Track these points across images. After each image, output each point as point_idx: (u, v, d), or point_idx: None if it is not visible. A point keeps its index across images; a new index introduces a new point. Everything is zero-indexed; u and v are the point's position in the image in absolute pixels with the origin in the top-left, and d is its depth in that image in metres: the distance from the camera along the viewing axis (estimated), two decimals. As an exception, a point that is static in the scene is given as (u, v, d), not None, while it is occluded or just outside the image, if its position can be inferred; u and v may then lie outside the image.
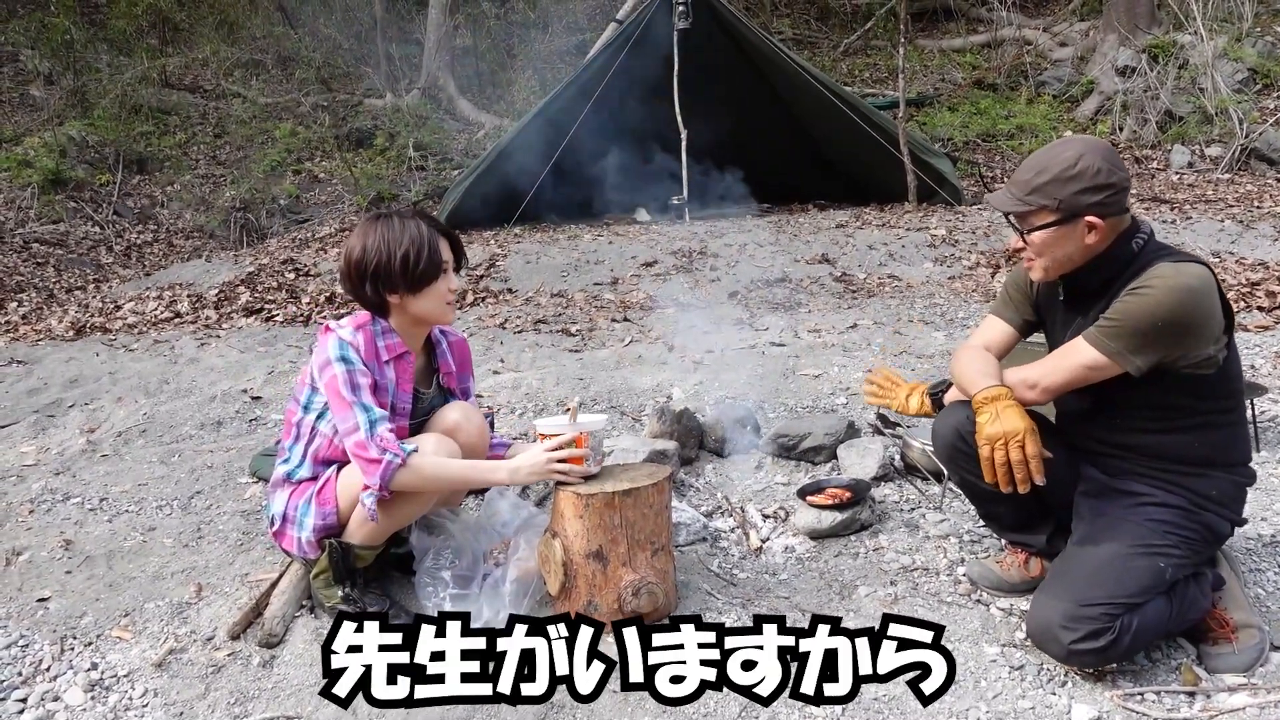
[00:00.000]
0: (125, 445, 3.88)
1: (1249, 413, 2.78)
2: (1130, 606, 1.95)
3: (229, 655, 2.29)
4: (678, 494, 3.06)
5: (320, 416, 2.36)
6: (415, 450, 2.23)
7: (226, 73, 14.74)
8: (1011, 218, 2.13)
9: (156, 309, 6.53)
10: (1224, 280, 5.30)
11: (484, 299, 6.19)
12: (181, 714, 2.10)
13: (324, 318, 5.91)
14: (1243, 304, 4.84)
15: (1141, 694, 2.00)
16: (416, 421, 2.45)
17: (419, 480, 2.24)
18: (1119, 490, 2.16)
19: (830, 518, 2.75)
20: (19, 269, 9.89)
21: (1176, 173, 9.86)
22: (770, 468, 3.28)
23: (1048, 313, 2.32)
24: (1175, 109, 10.84)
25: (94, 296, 7.66)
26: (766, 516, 2.93)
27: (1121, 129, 11.04)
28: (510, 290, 6.32)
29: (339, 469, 2.37)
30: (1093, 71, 12.08)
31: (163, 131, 13.58)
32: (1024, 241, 2.12)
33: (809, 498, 2.81)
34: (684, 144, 9.11)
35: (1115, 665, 2.08)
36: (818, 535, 2.76)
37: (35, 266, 10.10)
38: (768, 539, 2.81)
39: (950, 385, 2.40)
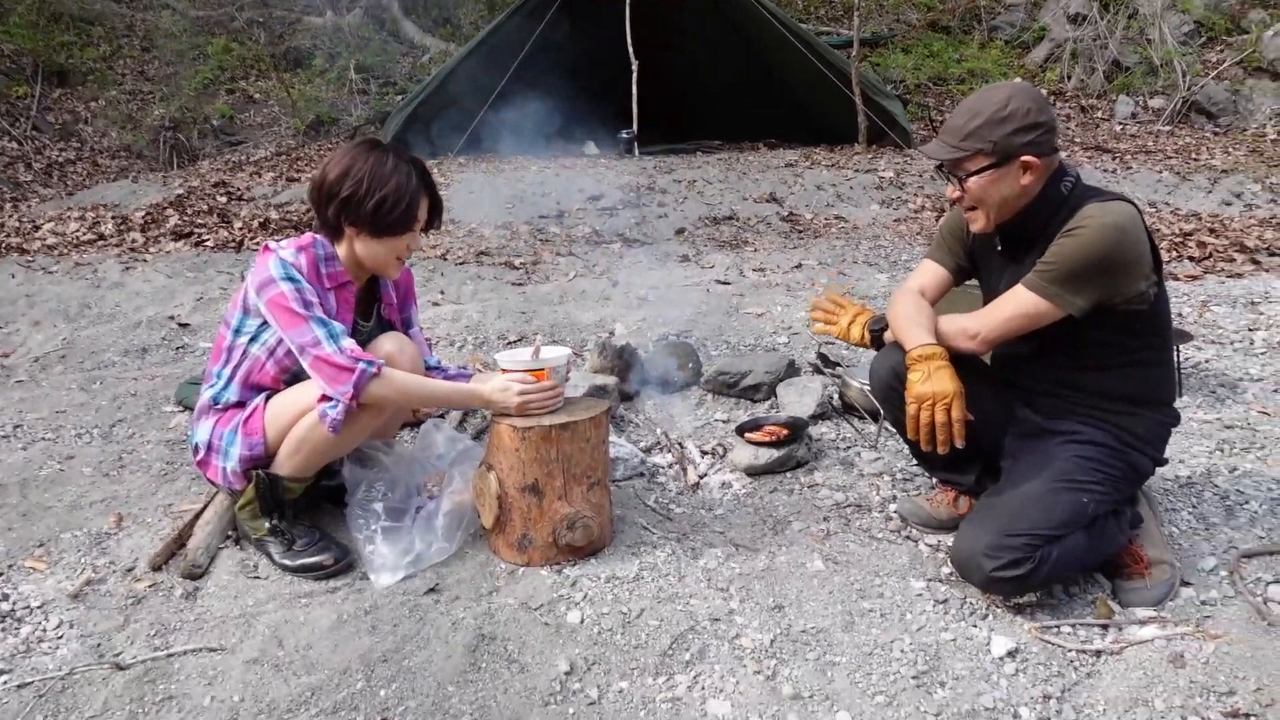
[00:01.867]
0: (43, 371, 3.72)
1: (1174, 358, 2.87)
2: (1051, 538, 2.01)
3: (150, 586, 2.23)
4: (617, 429, 3.04)
5: (253, 340, 2.27)
6: (383, 364, 2.17)
7: (154, -19, 13.91)
8: (946, 167, 2.14)
9: (78, 230, 6.23)
10: (1158, 230, 5.41)
11: (425, 229, 6.03)
12: (99, 645, 2.04)
13: (256, 244, 5.69)
14: (1175, 254, 4.95)
15: (1058, 626, 2.07)
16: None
17: (393, 392, 2.19)
18: (1049, 430, 2.21)
19: (767, 454, 2.76)
20: (-71, 183, 9.35)
21: (1120, 123, 9.99)
22: (710, 404, 3.28)
23: (983, 262, 2.34)
24: (1123, 59, 10.92)
25: (10, 216, 7.27)
26: (705, 453, 2.94)
27: (1070, 77, 11.10)
28: (453, 221, 6.17)
29: (267, 397, 2.29)
30: (1045, 18, 12.09)
31: (85, 43, 12.80)
32: (961, 190, 2.12)
33: (746, 434, 2.82)
34: (634, 76, 8.92)
35: (1034, 598, 2.15)
36: (754, 472, 2.78)
37: (-54, 182, 9.56)
38: (705, 475, 2.82)
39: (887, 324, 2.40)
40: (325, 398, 2.15)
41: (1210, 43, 10.87)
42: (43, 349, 3.94)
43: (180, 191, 7.22)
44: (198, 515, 2.42)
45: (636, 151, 8.78)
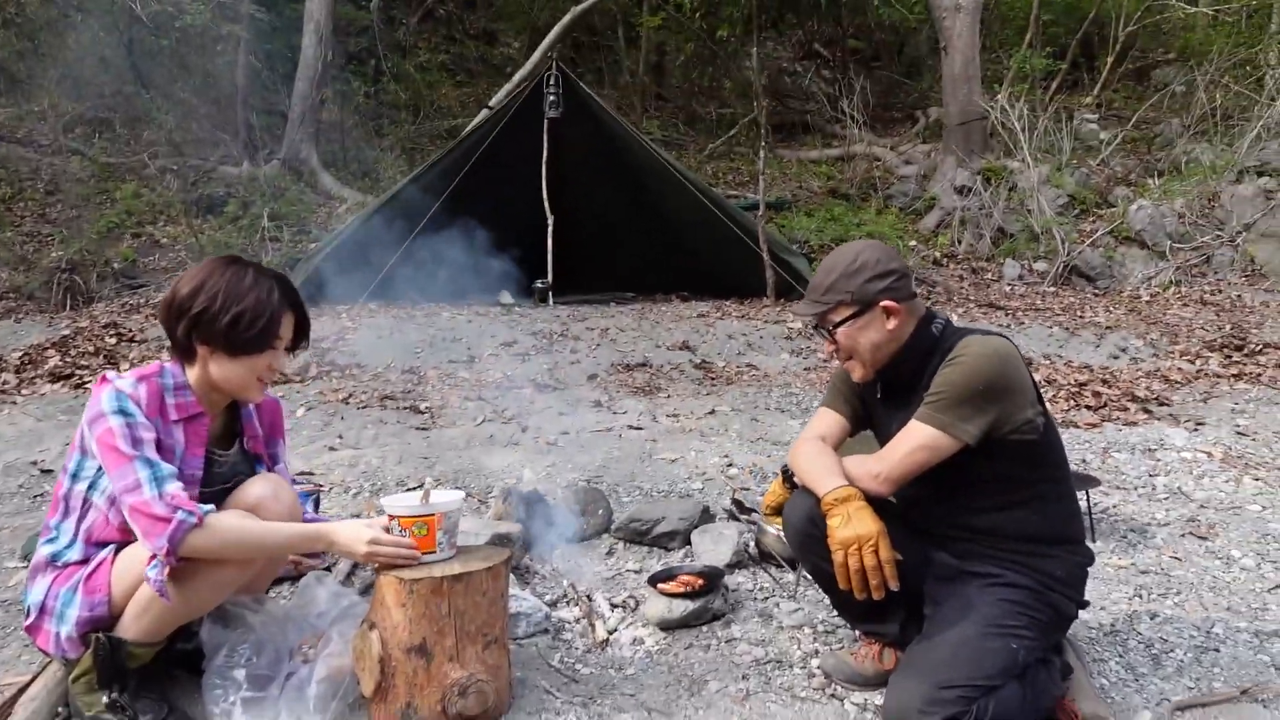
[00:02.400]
0: None
1: (1084, 503, 2.86)
2: (987, 689, 1.88)
3: (-49, 778, 1.87)
4: (521, 580, 2.82)
5: (92, 486, 2.01)
6: (212, 509, 1.93)
7: (67, 128, 13.81)
8: (815, 322, 2.21)
9: (-55, 371, 5.79)
10: (1054, 381, 5.60)
11: (328, 373, 5.81)
12: None
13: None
14: (1073, 403, 5.10)
15: (998, 794, 1.89)
16: (213, 490, 2.11)
17: (217, 544, 1.92)
18: (969, 573, 2.13)
19: (681, 606, 2.58)
20: None
21: (1009, 284, 10.60)
22: (622, 553, 3.10)
23: (874, 412, 2.34)
24: (1007, 226, 11.75)
25: None
26: (615, 605, 2.73)
27: (960, 241, 11.84)
28: (358, 365, 5.97)
29: (116, 550, 2.02)
30: (934, 189, 13.01)
31: (-15, 185, 12.50)
32: (834, 343, 2.18)
33: (660, 585, 2.63)
34: (550, 229, 9.10)
35: (970, 763, 1.97)
36: (668, 626, 2.58)
37: None
38: (615, 630, 2.60)
39: (803, 465, 2.32)
40: (152, 557, 1.90)
41: (1084, 214, 11.82)
42: (-124, 497, 3.52)
43: (67, 332, 6.85)
44: (21, 690, 2.08)
45: (551, 301, 8.83)
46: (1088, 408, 5.00)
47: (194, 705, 2.10)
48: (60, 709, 2.06)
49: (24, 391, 5.36)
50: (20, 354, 6.09)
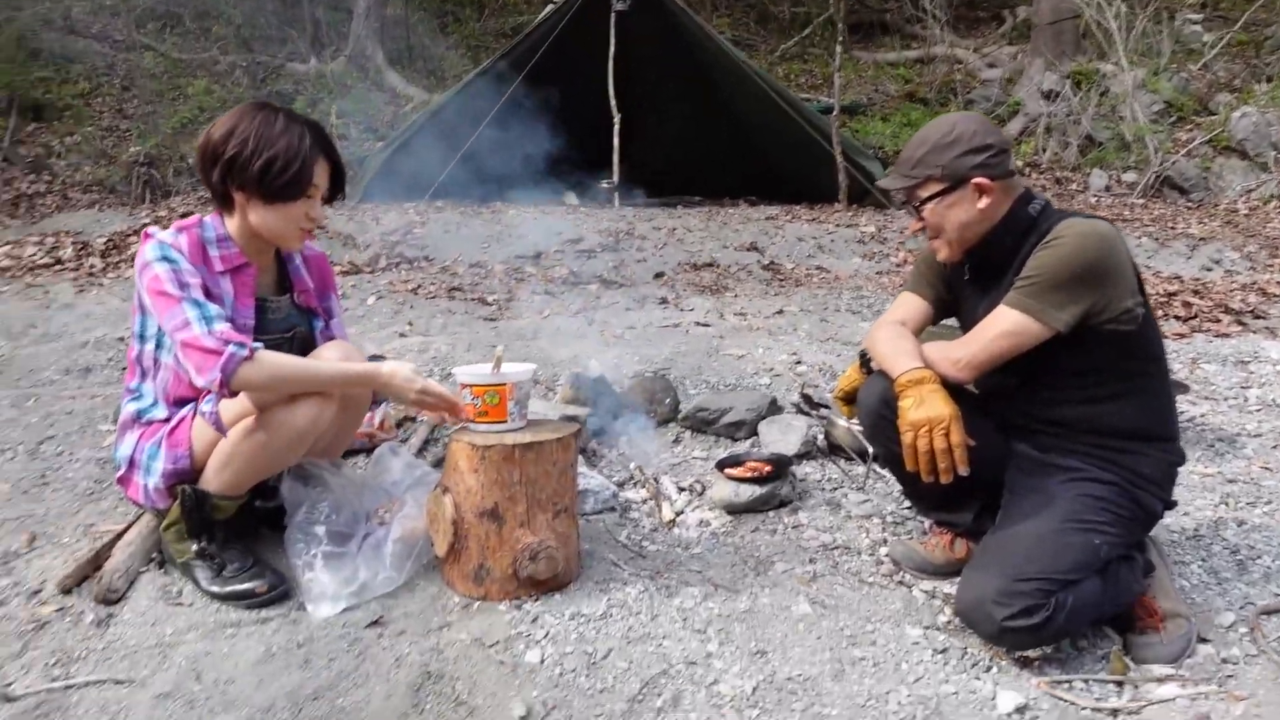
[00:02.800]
0: (-27, 387, 3.47)
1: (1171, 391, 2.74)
2: (1065, 583, 1.83)
3: (57, 611, 1.99)
4: (588, 463, 2.84)
5: (159, 345, 2.06)
6: (262, 345, 1.95)
7: (139, 23, 13.89)
8: (902, 197, 2.12)
9: (35, 254, 5.99)
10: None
11: (397, 265, 5.86)
12: (-13, 675, 1.79)
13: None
14: (1161, 312, 4.88)
15: (1069, 682, 1.87)
16: (272, 338, 2.13)
17: (268, 376, 1.92)
18: (1052, 465, 2.06)
19: (748, 491, 2.57)
20: (-109, 207, 9.08)
21: (1094, 195, 10.11)
22: (688, 441, 3.10)
23: (960, 295, 2.24)
24: (1095, 134, 11.13)
25: (-33, 240, 7.02)
26: (681, 489, 2.74)
27: (1044, 150, 11.28)
28: (427, 258, 6.00)
29: (197, 408, 2.07)
30: (1019, 93, 12.34)
31: (64, 79, 12.70)
32: (921, 220, 2.07)
33: (727, 470, 2.63)
34: (616, 128, 8.92)
35: (1042, 652, 1.95)
36: (734, 510, 2.58)
37: (-90, 208, 9.30)
38: (682, 512, 2.62)
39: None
40: (207, 392, 1.94)
41: (1180, 122, 11.12)
42: (-24, 365, 3.68)
43: (147, 222, 7.00)
44: (119, 536, 2.18)
45: (616, 202, 8.72)
46: (1176, 318, 4.78)
47: (277, 558, 2.18)
48: (154, 555, 2.16)
49: (109, 275, 5.52)
50: (105, 240, 6.26)
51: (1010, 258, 2.02)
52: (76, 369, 3.69)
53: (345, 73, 12.82)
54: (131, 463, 2.10)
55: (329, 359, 2.10)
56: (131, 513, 2.29)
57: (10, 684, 1.76)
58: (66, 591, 2.04)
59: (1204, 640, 2.03)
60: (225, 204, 2.08)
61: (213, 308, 1.95)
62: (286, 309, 2.23)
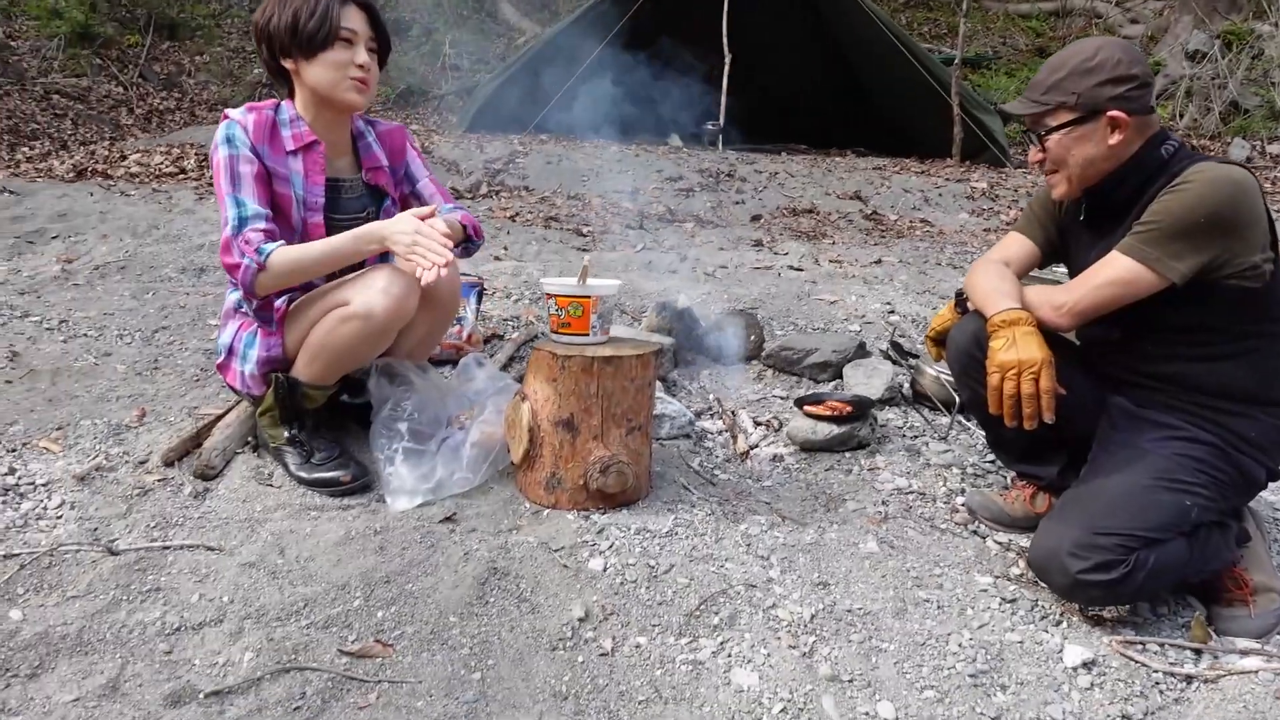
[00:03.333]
0: (100, 278, 3.70)
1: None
2: (1149, 541, 1.75)
3: (159, 480, 2.12)
4: (669, 391, 2.85)
5: None
6: (275, 249, 1.99)
7: (269, -53, 14.26)
8: (1027, 124, 1.97)
9: (162, 163, 6.31)
10: None
11: (498, 192, 5.93)
12: (96, 529, 1.93)
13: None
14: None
15: (1143, 644, 1.81)
16: (349, 218, 2.21)
17: (285, 274, 2.00)
18: (1148, 421, 1.95)
19: (826, 429, 2.54)
20: (36, 116, 9.64)
21: (1234, 166, 9.44)
22: (770, 380, 3.07)
23: (1071, 238, 2.11)
24: (1242, 100, 10.34)
25: (103, 148, 7.43)
26: (758, 424, 2.72)
27: (1183, 115, 10.55)
28: (527, 188, 6.06)
29: (291, 298, 2.15)
30: (1161, 52, 11.53)
31: (198, 0, 13.19)
32: (1043, 150, 1.94)
33: (806, 407, 2.60)
34: (726, 70, 8.73)
35: (1117, 612, 1.89)
36: (810, 447, 2.56)
37: (53, 117, 9.85)
38: (757, 445, 2.61)
39: (979, 292, 2.16)
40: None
41: (1342, 91, 10.22)
42: (105, 259, 3.92)
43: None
44: (219, 418, 2.31)
45: (721, 145, 8.59)
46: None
47: (362, 451, 2.27)
48: (250, 438, 2.28)
49: (227, 185, 5.76)
50: (224, 153, 6.52)
51: (1133, 201, 1.89)
52: (192, 269, 3.89)
53: (460, 3, 12.91)
54: (230, 350, 2.21)
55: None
56: (232, 399, 2.42)
57: (115, 540, 1.90)
58: (169, 464, 2.18)
59: (1297, 620, 1.92)
60: (285, 81, 2.16)
61: (250, 207, 2.02)
62: (360, 189, 2.28)
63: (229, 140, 2.06)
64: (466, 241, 2.27)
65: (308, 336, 2.09)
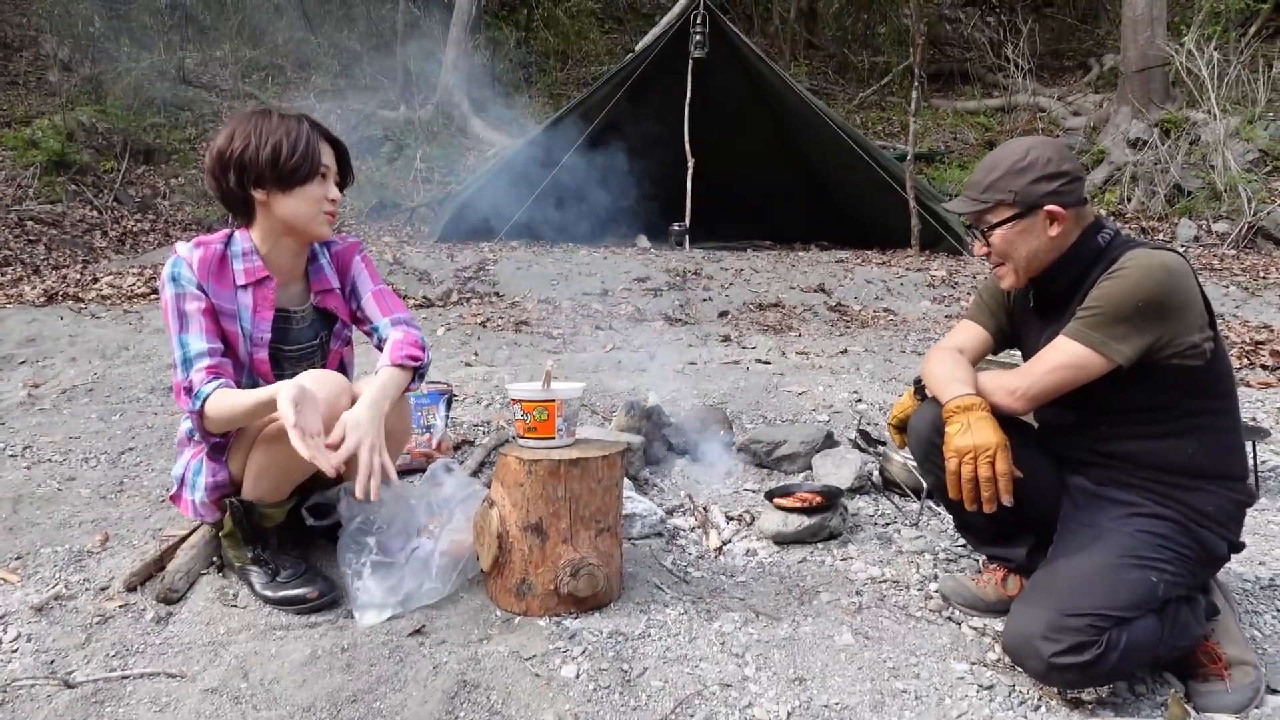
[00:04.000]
0: (68, 402, 3.69)
1: (1251, 458, 2.61)
2: (1119, 620, 1.75)
3: (120, 607, 2.08)
4: (640, 490, 2.85)
5: None
6: (214, 390, 1.98)
7: (244, 74, 14.77)
8: (970, 221, 2.08)
9: (134, 284, 6.36)
10: (1228, 338, 5.14)
11: (469, 299, 6.02)
12: (53, 661, 1.88)
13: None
14: (1247, 361, 4.67)
15: (1123, 725, 1.79)
16: (302, 349, 2.23)
17: (221, 419, 1.98)
18: (1107, 499, 1.98)
19: (797, 521, 2.55)
20: (9, 244, 9.72)
21: (1183, 245, 9.77)
22: (741, 474, 3.08)
23: (1021, 324, 2.19)
24: (1184, 183, 10.79)
25: (75, 271, 7.50)
26: (730, 518, 2.72)
27: (1130, 199, 10.98)
28: (497, 294, 6.16)
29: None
30: (1104, 141, 12.08)
31: (174, 125, 13.52)
32: (987, 245, 2.03)
33: (776, 500, 2.61)
34: (689, 172, 9.04)
35: (1095, 694, 1.87)
36: (783, 540, 2.56)
37: (27, 243, 9.94)
38: (729, 541, 2.60)
39: (934, 379, 2.22)
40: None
41: (1277, 171, 10.71)
42: (73, 382, 3.92)
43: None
44: (183, 539, 2.28)
45: (688, 245, 8.81)
46: (1264, 367, 4.57)
47: (330, 567, 2.24)
48: (214, 558, 2.25)
49: (199, 304, 5.81)
50: (197, 272, 6.60)
51: (1075, 287, 1.97)
52: (161, 388, 3.89)
53: (432, 119, 13.35)
54: (182, 480, 2.20)
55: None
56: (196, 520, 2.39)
57: (72, 672, 1.85)
58: (131, 589, 2.14)
59: (1274, 691, 1.92)
60: (246, 211, 2.12)
61: (194, 345, 2.01)
62: (310, 317, 2.27)
63: (174, 279, 2.05)
64: (416, 373, 2.18)
65: (251, 455, 2.08)
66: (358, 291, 2.32)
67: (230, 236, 2.15)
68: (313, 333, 2.27)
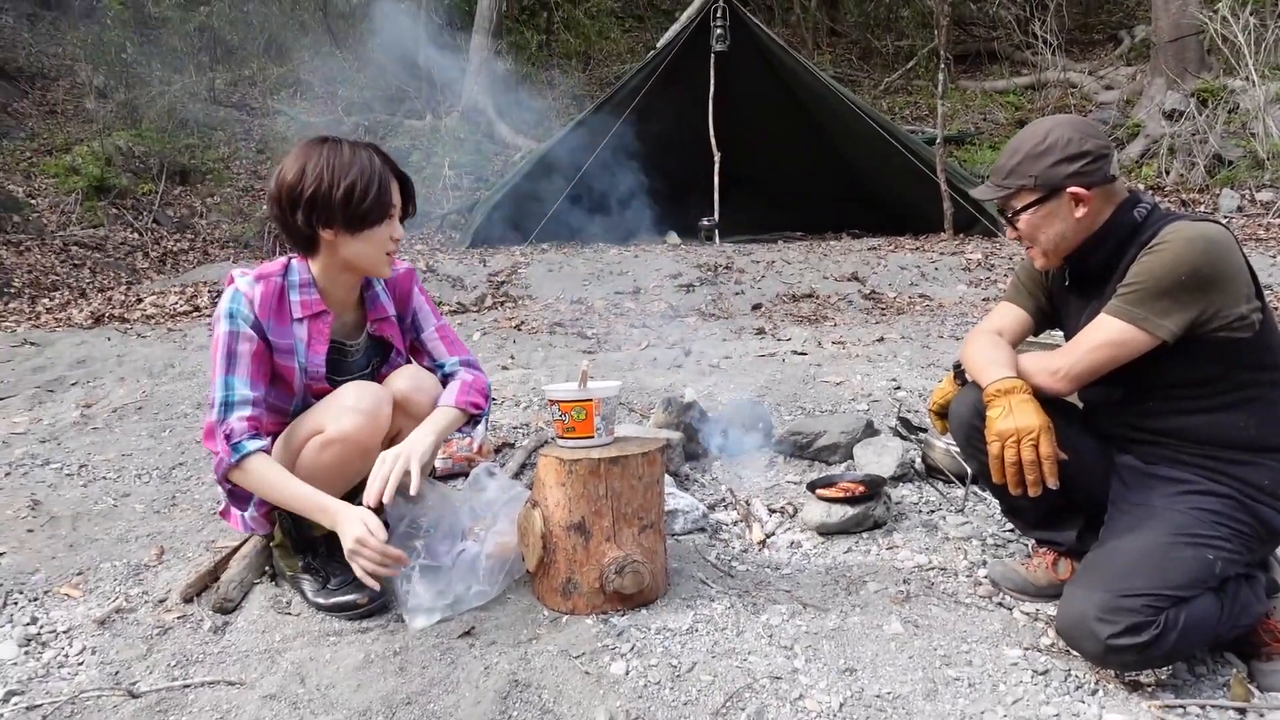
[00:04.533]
0: (119, 420, 3.77)
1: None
2: (1176, 600, 1.72)
3: (179, 618, 2.13)
4: (681, 486, 2.85)
5: None
6: (257, 451, 2.00)
7: (273, 92, 15.01)
8: (997, 207, 2.06)
9: (176, 303, 6.50)
10: (1277, 309, 5.01)
11: (502, 303, 6.07)
12: (117, 673, 1.93)
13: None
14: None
15: (1183, 707, 1.76)
16: (352, 378, 2.21)
17: (251, 485, 2.03)
18: (1158, 478, 1.95)
19: (840, 512, 2.53)
20: (55, 269, 9.98)
21: (1226, 216, 9.54)
22: (781, 466, 3.07)
23: (1060, 303, 2.16)
24: (1225, 153, 10.54)
25: (119, 293, 7.67)
26: (773, 511, 2.72)
27: (1168, 172, 10.74)
28: (530, 296, 6.20)
29: (273, 438, 2.17)
30: (1139, 115, 11.83)
31: (207, 145, 13.79)
32: (1016, 230, 2.02)
33: (819, 491, 2.60)
34: (716, 166, 9.02)
35: (1155, 676, 1.84)
36: (827, 531, 2.54)
37: (72, 268, 10.19)
38: (773, 533, 2.60)
39: (975, 362, 2.19)
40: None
41: (1321, 135, 10.41)
42: (122, 401, 4.01)
43: (275, 271, 7.49)
44: (235, 550, 2.33)
45: (718, 239, 8.79)
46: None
47: (378, 572, 2.27)
48: (266, 568, 2.29)
49: (239, 319, 5.92)
50: (236, 288, 6.72)
51: (1113, 265, 1.94)
52: (208, 403, 3.96)
53: (458, 127, 13.46)
54: (231, 495, 2.24)
55: (400, 388, 2.18)
56: (249, 529, 2.44)
57: (136, 682, 1.90)
58: (188, 600, 2.18)
59: (1341, 669, 1.87)
60: (310, 247, 2.08)
61: (239, 390, 2.01)
62: (364, 347, 2.27)
63: (230, 315, 2.02)
64: (472, 419, 2.25)
65: (294, 469, 2.10)
66: (419, 324, 2.33)
67: (288, 265, 2.12)
68: (365, 360, 2.28)
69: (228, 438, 1.99)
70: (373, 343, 2.29)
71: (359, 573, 1.99)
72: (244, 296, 2.05)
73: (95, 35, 14.58)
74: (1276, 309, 5.01)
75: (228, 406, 2.01)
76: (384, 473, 2.02)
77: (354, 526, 1.97)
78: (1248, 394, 1.88)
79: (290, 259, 2.14)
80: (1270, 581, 1.94)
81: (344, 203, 1.99)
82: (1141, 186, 10.43)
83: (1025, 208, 1.96)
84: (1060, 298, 2.15)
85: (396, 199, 2.11)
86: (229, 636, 2.07)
